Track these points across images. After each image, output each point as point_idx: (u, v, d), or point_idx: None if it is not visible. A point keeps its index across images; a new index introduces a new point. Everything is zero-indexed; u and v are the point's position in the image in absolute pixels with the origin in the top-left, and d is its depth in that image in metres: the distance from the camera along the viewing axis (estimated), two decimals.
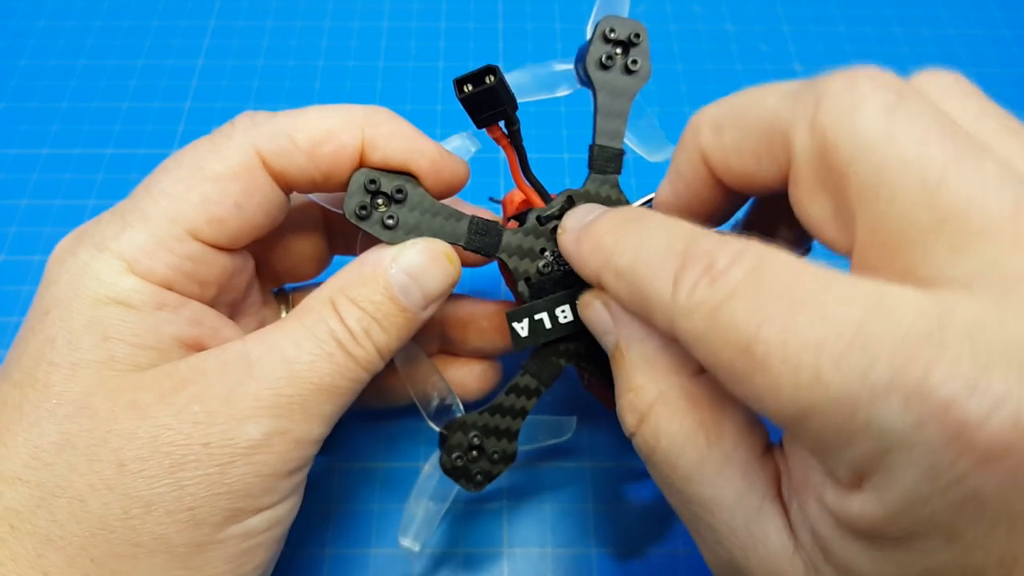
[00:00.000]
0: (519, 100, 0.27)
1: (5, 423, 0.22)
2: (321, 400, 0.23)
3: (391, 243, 0.25)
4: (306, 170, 0.25)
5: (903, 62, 0.49)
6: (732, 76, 0.48)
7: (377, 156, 0.25)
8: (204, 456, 0.22)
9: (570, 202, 0.26)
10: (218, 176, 0.24)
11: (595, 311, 0.24)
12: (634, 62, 0.26)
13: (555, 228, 0.26)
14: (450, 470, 0.26)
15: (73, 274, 0.23)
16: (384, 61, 0.49)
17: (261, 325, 0.28)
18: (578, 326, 0.25)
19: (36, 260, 0.40)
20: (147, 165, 0.44)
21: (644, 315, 0.20)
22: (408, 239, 0.25)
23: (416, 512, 0.27)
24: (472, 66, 0.25)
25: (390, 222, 0.25)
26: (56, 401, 0.22)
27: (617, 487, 0.33)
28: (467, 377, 0.32)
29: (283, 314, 0.32)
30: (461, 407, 0.28)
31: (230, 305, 0.28)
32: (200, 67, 0.48)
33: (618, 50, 0.26)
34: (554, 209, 0.26)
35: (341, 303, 0.24)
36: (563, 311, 0.26)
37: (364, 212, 0.25)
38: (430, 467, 0.27)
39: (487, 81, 0.25)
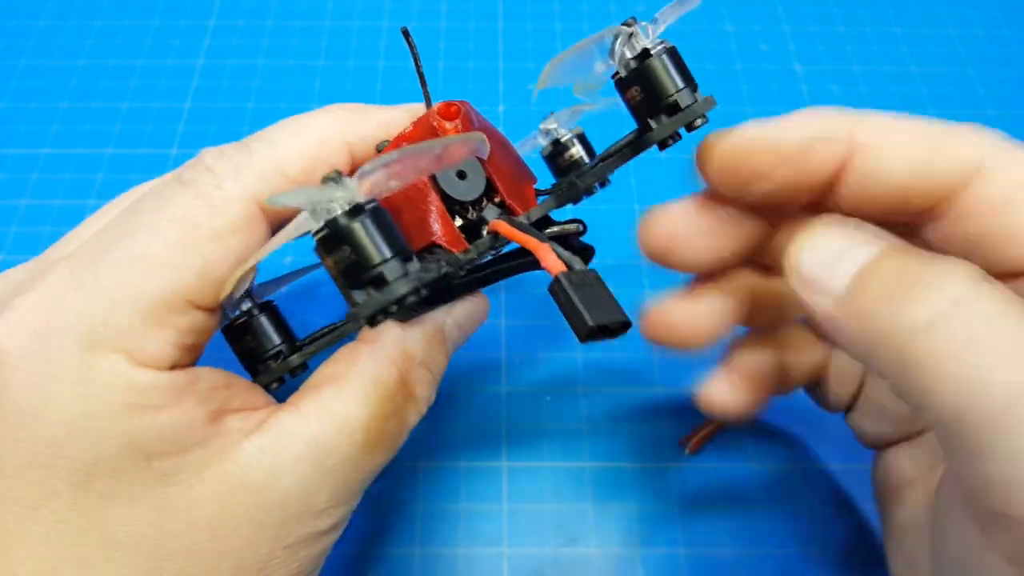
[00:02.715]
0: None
1: None
2: (380, 464, 0.24)
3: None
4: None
5: (903, 62, 0.49)
6: (732, 76, 0.48)
7: (368, 155, 0.24)
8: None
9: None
10: (218, 233, 0.21)
11: (836, 230, 0.21)
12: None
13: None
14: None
15: (70, 384, 0.19)
16: (384, 61, 0.49)
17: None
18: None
19: None
20: (147, 165, 0.44)
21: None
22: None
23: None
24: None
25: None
26: (126, 529, 0.20)
27: (617, 487, 0.33)
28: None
29: None
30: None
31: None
32: (200, 67, 0.48)
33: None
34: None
35: (415, 371, 0.24)
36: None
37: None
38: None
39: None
